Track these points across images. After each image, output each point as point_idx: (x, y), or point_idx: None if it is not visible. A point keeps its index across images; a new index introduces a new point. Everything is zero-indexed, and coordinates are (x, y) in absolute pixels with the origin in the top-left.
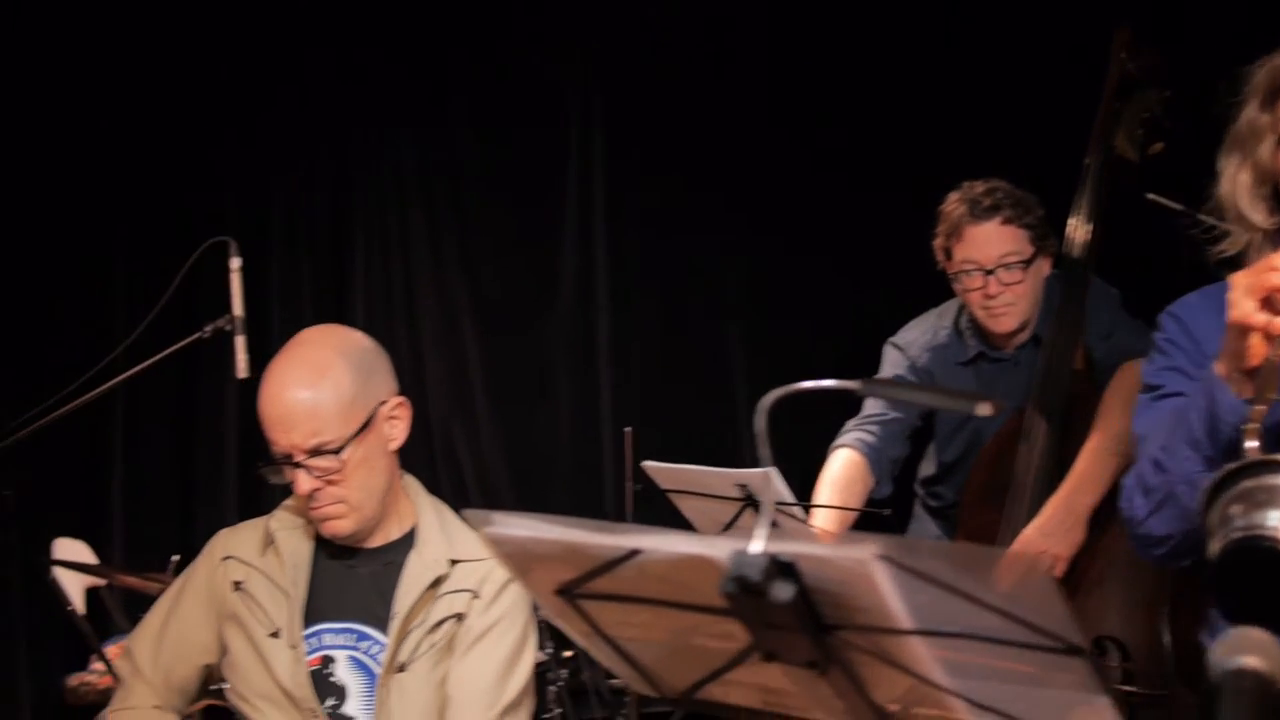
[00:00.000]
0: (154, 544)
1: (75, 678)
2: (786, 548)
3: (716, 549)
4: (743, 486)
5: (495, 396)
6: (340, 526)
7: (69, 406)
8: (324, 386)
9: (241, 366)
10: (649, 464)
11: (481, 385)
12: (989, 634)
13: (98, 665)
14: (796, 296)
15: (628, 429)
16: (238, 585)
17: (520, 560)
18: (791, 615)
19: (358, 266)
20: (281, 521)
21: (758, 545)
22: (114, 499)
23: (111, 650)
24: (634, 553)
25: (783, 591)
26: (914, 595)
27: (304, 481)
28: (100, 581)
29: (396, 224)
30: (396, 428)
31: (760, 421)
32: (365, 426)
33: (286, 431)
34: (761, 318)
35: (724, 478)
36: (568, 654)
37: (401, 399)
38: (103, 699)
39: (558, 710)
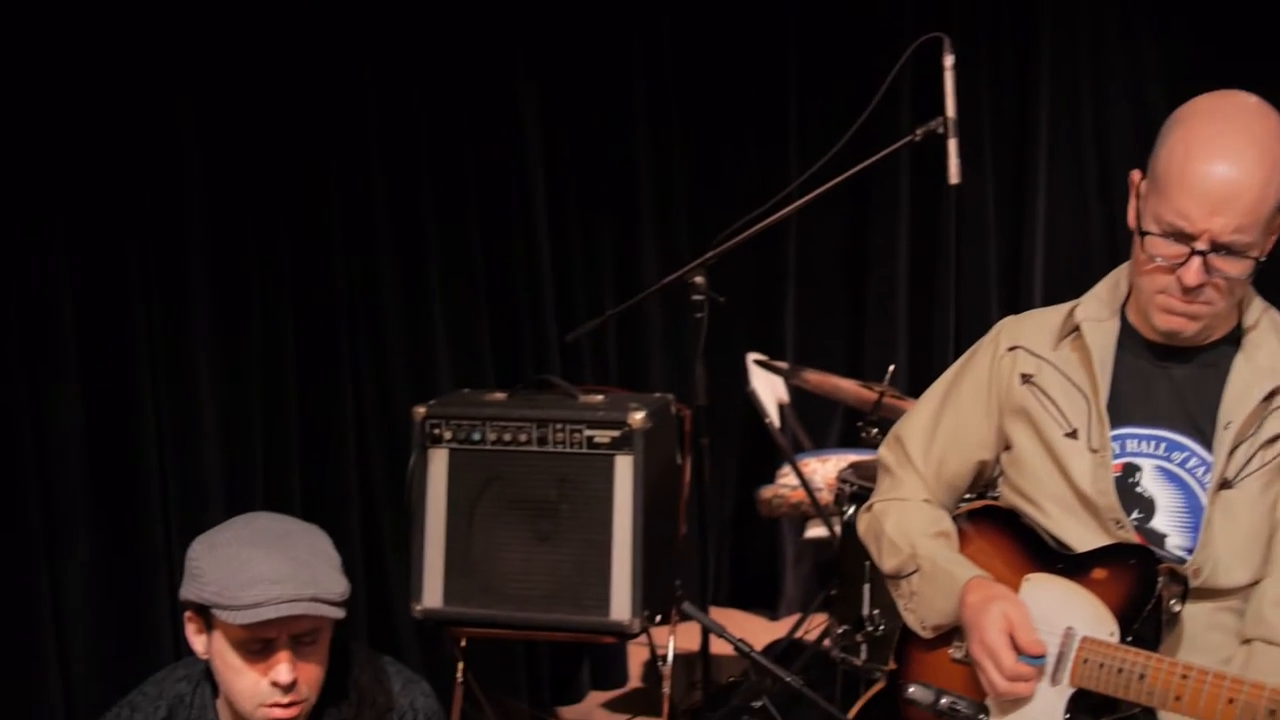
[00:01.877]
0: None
1: (769, 490)
2: None
3: None
4: None
5: None
6: (1189, 328)
7: (771, 219)
8: (1271, 185)
9: (954, 171)
10: None
11: None
12: None
13: (786, 478)
14: None
15: None
16: (1027, 378)
17: None
18: None
19: (1043, 67)
20: (1088, 311)
21: None
22: (787, 317)
23: (800, 465)
24: None
25: None
26: None
27: (1194, 273)
28: (786, 399)
29: (1088, 19)
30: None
31: None
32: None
33: (1210, 213)
34: None
35: None
36: None
37: None
38: (794, 511)
39: None
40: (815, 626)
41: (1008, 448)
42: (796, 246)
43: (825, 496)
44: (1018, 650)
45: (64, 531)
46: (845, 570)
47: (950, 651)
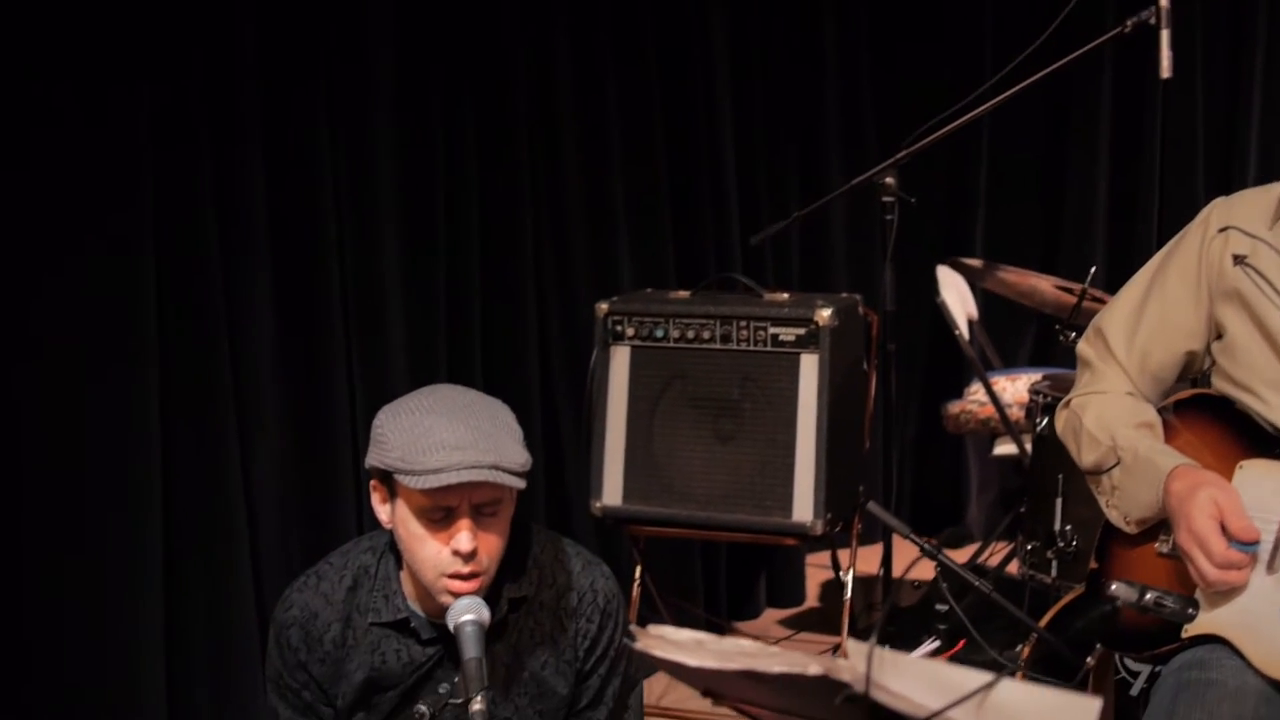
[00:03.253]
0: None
1: (956, 405)
2: None
3: None
4: None
5: None
6: None
7: (965, 119)
8: None
9: (1165, 65)
10: None
11: None
12: None
13: (975, 394)
14: None
15: None
16: (1240, 260)
17: None
18: None
19: None
20: None
21: None
22: (979, 225)
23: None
24: None
25: None
26: None
27: None
28: (975, 315)
29: None
30: None
31: None
32: None
33: None
34: None
35: None
36: None
37: None
38: (983, 428)
39: None
40: (998, 552)
41: (1219, 336)
42: (990, 151)
43: (1015, 413)
44: (1229, 537)
45: (254, 412)
46: (1037, 485)
47: (1156, 546)
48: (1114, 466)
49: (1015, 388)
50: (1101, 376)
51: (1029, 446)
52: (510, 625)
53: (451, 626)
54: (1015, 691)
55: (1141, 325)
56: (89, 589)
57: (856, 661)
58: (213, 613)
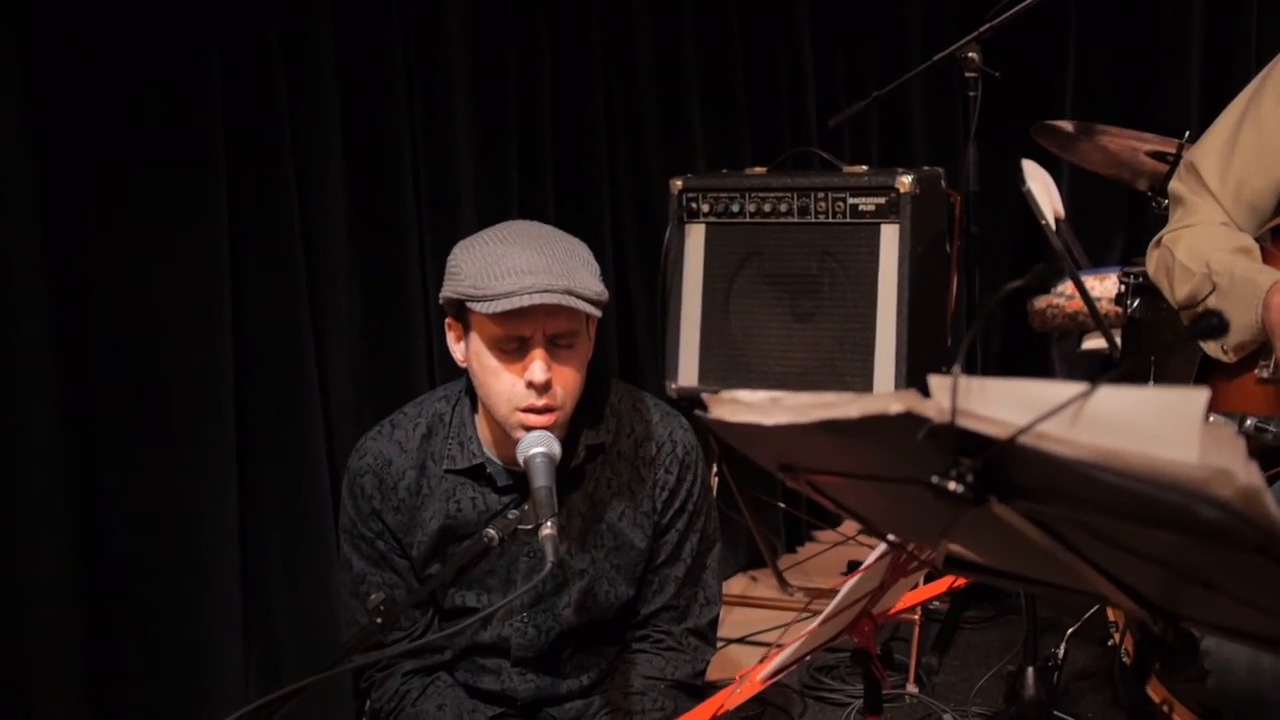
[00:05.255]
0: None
1: (1043, 300)
2: None
3: None
4: None
5: None
6: None
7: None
8: None
9: None
10: None
11: None
12: None
13: (1065, 288)
14: None
15: None
16: None
17: None
18: None
19: None
20: None
21: None
22: (1067, 98)
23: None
24: None
25: None
26: None
27: None
28: (1061, 212)
29: None
30: None
31: None
32: None
33: None
34: None
35: None
36: None
37: None
38: (1070, 323)
39: None
40: None
41: None
42: (1078, 25)
43: (1104, 307)
44: None
45: (324, 269)
46: (1128, 371)
47: (1256, 373)
48: (1209, 294)
49: (1103, 286)
50: (1194, 209)
51: (1119, 341)
52: (587, 474)
53: (521, 460)
54: (1114, 398)
55: (1236, 153)
56: (159, 451)
57: (940, 396)
58: (285, 472)
